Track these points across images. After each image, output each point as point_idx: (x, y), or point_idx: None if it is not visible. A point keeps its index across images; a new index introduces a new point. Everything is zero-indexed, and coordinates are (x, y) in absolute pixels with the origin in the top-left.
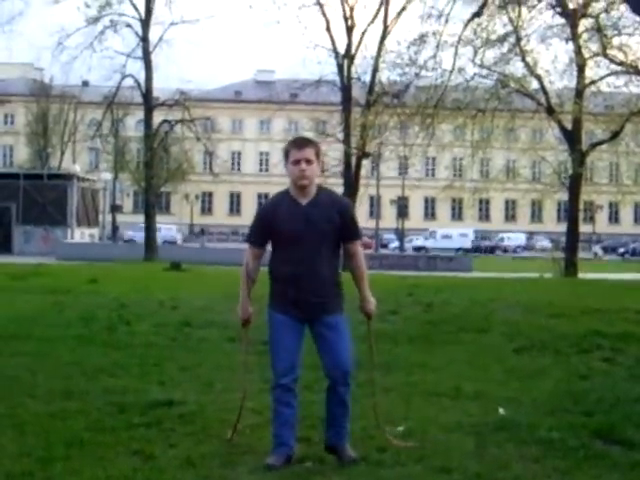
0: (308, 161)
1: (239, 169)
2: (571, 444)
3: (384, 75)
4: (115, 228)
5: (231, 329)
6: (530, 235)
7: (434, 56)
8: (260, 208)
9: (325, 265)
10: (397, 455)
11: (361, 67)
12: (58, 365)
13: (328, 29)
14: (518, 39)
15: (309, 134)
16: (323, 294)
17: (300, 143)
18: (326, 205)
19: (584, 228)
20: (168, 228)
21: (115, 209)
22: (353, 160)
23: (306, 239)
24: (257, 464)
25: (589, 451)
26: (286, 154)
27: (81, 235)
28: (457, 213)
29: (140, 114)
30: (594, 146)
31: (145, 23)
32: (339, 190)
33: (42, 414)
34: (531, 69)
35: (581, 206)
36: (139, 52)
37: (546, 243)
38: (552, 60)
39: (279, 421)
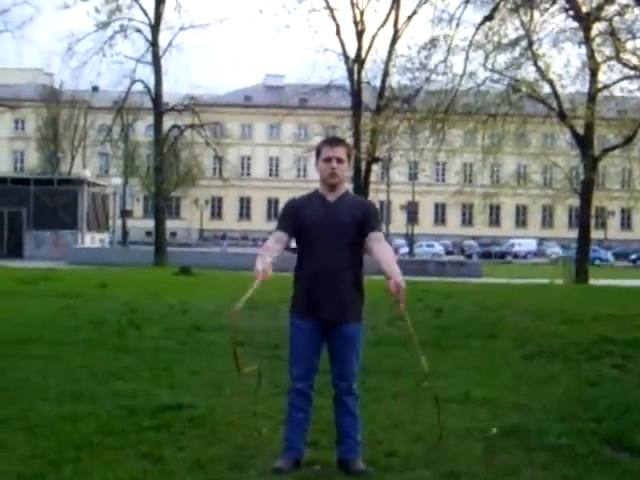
0: (339, 160)
1: (249, 174)
2: (580, 451)
3: (394, 80)
4: (125, 233)
5: (241, 333)
6: (541, 241)
7: (445, 60)
8: (289, 200)
9: (346, 263)
10: (405, 460)
11: (371, 71)
12: (68, 368)
13: (338, 33)
14: (530, 43)
15: (318, 139)
16: (342, 292)
17: (332, 142)
18: (351, 203)
19: (595, 234)
20: None
21: (125, 214)
22: (363, 165)
23: (329, 233)
24: (266, 467)
25: (598, 458)
26: (318, 152)
27: (91, 240)
28: (467, 219)
29: (150, 119)
30: (606, 151)
31: (155, 28)
32: None
33: (53, 417)
34: (543, 73)
35: (593, 212)
36: (149, 57)
37: (557, 249)
38: (564, 64)
39: (291, 425)
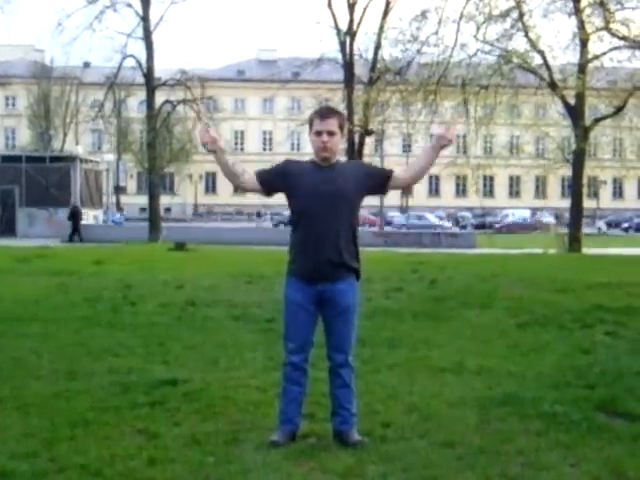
0: (330, 133)
1: (242, 148)
2: (574, 417)
3: (386, 52)
4: (119, 209)
5: (236, 307)
6: (534, 211)
7: (436, 32)
8: (286, 159)
9: (343, 228)
10: (401, 430)
11: (363, 44)
12: (63, 346)
13: (330, 6)
14: (521, 14)
15: (311, 112)
16: (336, 249)
17: (323, 113)
18: (344, 167)
19: (588, 203)
20: None
21: (119, 190)
22: (356, 138)
23: (325, 199)
24: (262, 441)
25: (592, 424)
26: (310, 123)
27: (85, 217)
28: (461, 190)
29: (142, 95)
30: (597, 121)
31: (145, 2)
32: None
33: (47, 395)
34: (534, 44)
35: (585, 181)
36: (140, 32)
37: (550, 219)
38: (555, 35)
39: (287, 398)
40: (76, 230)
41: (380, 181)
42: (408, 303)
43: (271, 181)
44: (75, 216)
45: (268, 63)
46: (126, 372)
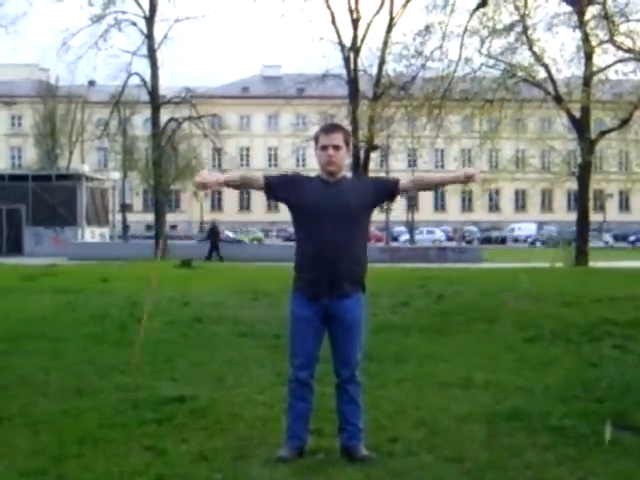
0: (336, 147)
1: (248, 165)
2: (582, 431)
3: (390, 67)
4: (125, 227)
5: (242, 324)
6: (540, 225)
7: (440, 47)
8: (295, 172)
9: (349, 243)
10: (409, 445)
11: (367, 59)
12: (70, 364)
13: (333, 22)
14: (525, 28)
15: (316, 128)
16: (342, 265)
17: (329, 129)
18: (352, 184)
19: (594, 217)
20: None
21: (125, 208)
22: (361, 153)
23: (332, 213)
24: (269, 457)
25: (600, 438)
26: (316, 139)
27: (91, 235)
28: (467, 204)
29: (147, 112)
30: (603, 134)
31: (149, 20)
32: None
33: (55, 412)
34: (538, 58)
35: (591, 195)
36: (144, 50)
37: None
38: (559, 48)
39: (293, 414)
40: (215, 248)
41: (389, 187)
42: (415, 318)
43: (276, 188)
44: (215, 234)
45: (273, 79)
46: (133, 389)
